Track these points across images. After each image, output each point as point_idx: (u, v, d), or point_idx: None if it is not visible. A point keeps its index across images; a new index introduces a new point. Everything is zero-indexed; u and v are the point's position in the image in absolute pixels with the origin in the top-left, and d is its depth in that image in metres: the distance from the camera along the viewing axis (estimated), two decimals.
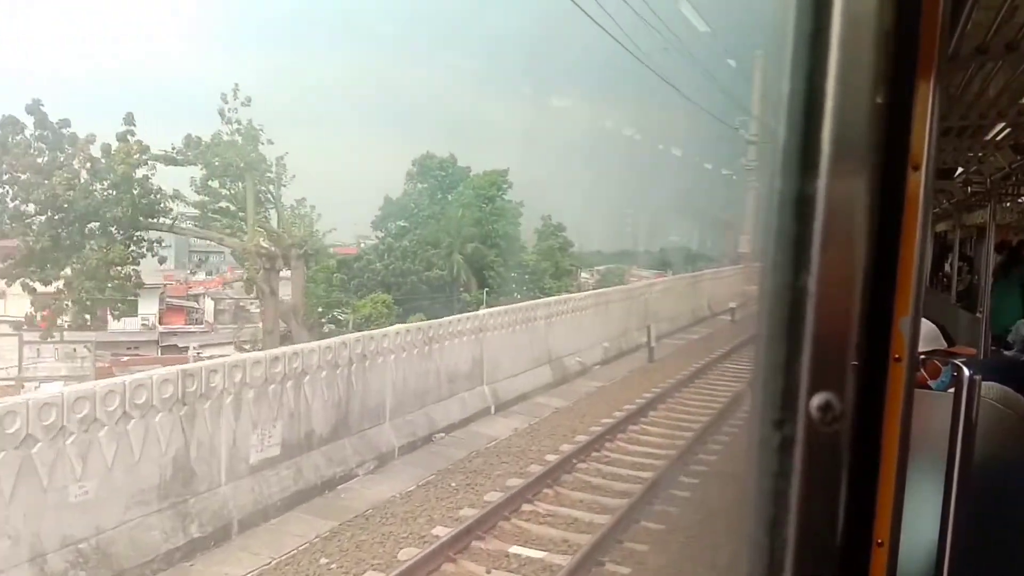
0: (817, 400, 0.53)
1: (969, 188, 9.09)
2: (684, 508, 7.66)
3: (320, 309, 28.67)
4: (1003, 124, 5.54)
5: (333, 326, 27.86)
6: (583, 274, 43.77)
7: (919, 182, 0.69)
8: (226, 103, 23.67)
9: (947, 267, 11.73)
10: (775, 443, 0.54)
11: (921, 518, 1.03)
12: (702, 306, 23.27)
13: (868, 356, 0.67)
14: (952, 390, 1.17)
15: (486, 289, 36.48)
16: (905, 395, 0.69)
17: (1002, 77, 4.34)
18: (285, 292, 27.54)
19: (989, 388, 1.58)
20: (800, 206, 0.53)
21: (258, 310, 28.65)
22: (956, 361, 1.44)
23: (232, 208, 24.50)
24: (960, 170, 8.03)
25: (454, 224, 37.10)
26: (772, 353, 0.54)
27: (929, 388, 2.51)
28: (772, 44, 0.55)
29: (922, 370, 2.51)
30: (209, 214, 24.40)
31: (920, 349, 1.15)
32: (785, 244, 0.53)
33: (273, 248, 23.90)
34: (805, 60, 0.53)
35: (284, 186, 24.66)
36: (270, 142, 24.04)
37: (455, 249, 36.16)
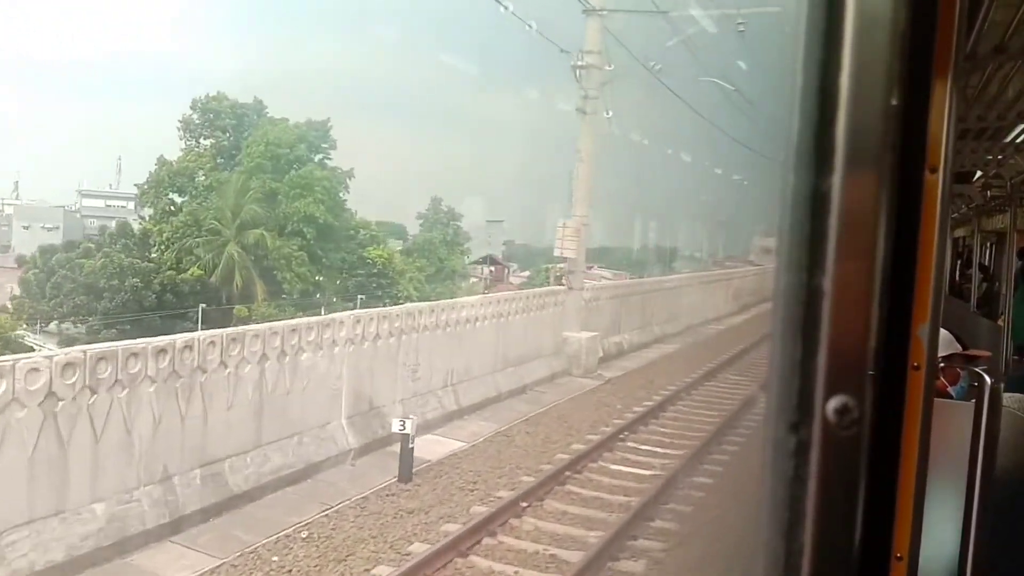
0: (834, 403, 0.52)
1: (988, 192, 8.94)
2: None
3: None
4: (1023, 126, 5.45)
5: None
6: (524, 273, 34.83)
7: (936, 185, 0.68)
8: None
9: (956, 275, 11.54)
10: (791, 446, 0.52)
11: (941, 532, 1.00)
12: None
13: (886, 364, 0.66)
14: (972, 399, 1.14)
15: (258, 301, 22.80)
16: (924, 404, 0.67)
17: (1021, 78, 4.27)
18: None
19: (1011, 397, 1.54)
20: (815, 208, 0.52)
21: None
22: (977, 369, 1.41)
23: None
24: (979, 174, 7.90)
25: (231, 200, 24.11)
26: (788, 353, 0.53)
27: (948, 394, 2.46)
28: (785, 44, 0.54)
29: (940, 376, 2.47)
30: None
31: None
32: (800, 245, 0.52)
33: None
34: (819, 60, 0.52)
35: None
36: None
37: (230, 237, 23.82)
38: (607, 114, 15.27)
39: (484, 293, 22.92)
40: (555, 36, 14.76)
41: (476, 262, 37.04)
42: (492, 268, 36.71)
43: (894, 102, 0.54)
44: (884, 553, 0.66)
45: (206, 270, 24.00)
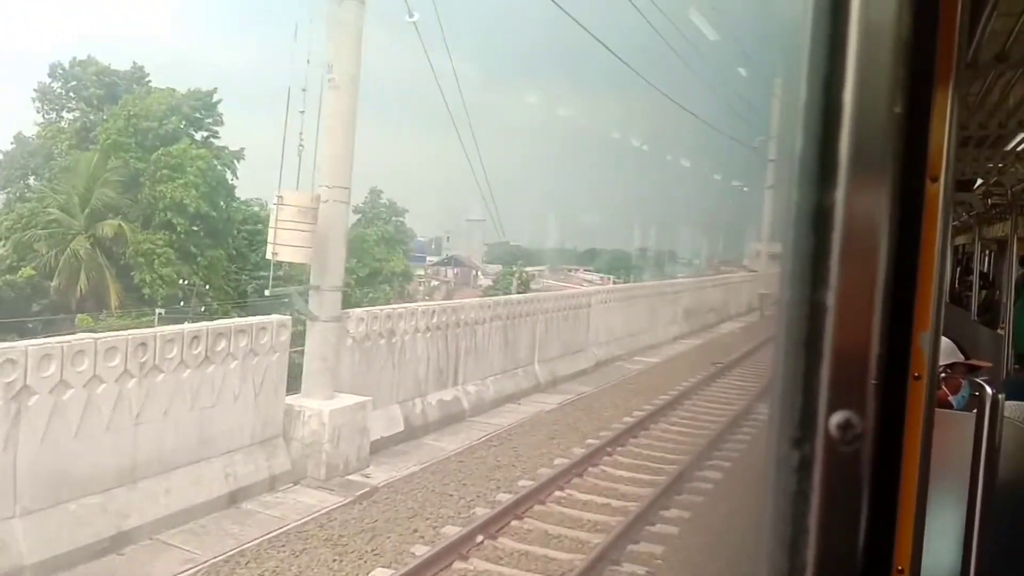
0: (837, 418, 0.51)
1: (989, 200, 8.95)
2: None
3: None
4: None
5: None
6: (484, 278, 30.35)
7: (937, 193, 0.67)
8: None
9: (955, 282, 11.53)
10: (794, 462, 0.52)
11: (942, 543, 1.00)
12: None
13: (887, 373, 0.65)
14: (973, 409, 1.13)
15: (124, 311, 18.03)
16: (925, 414, 0.66)
17: (1022, 86, 4.28)
18: None
19: (1013, 407, 1.54)
20: (818, 217, 0.52)
21: None
22: (978, 379, 1.40)
23: None
24: (980, 182, 7.91)
25: (81, 184, 19.83)
26: (791, 368, 0.52)
27: (950, 404, 2.46)
28: (789, 53, 0.54)
29: (942, 386, 2.46)
30: None
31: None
32: (802, 256, 0.52)
33: None
34: (822, 69, 0.52)
35: None
36: None
37: (80, 230, 19.34)
38: (411, 16, 7.88)
39: (432, 300, 17.98)
40: None
41: (440, 263, 32.88)
42: (456, 271, 31.30)
43: (897, 110, 0.54)
44: (885, 565, 0.66)
45: (46, 270, 18.81)
